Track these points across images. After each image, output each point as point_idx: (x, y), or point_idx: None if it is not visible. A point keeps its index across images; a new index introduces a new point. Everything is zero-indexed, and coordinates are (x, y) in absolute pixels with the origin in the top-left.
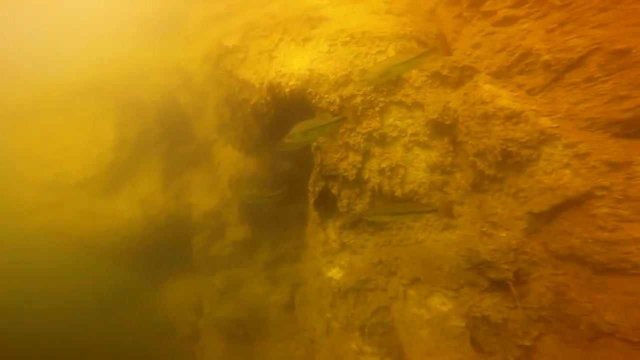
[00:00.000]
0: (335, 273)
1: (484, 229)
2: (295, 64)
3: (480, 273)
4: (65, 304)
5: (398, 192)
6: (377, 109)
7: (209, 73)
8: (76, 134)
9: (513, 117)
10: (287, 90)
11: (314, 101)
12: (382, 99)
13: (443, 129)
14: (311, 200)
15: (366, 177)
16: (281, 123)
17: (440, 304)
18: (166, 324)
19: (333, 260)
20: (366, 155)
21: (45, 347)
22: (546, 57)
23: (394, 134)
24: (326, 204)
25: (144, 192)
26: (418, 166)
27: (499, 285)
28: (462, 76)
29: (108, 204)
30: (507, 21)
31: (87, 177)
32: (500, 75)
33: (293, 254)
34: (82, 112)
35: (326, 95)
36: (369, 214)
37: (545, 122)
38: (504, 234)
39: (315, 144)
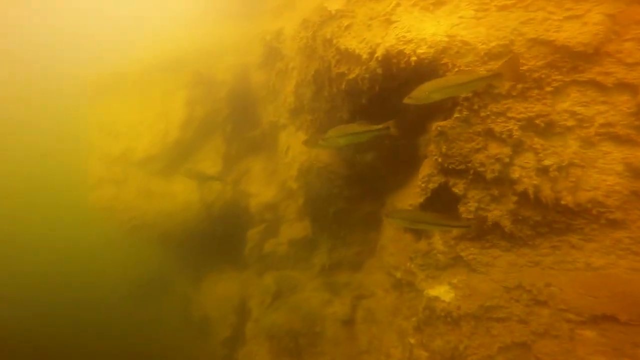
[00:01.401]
0: (443, 293)
1: None
2: (428, 29)
3: None
4: (104, 288)
5: (567, 200)
6: (547, 89)
7: (298, 46)
8: (147, 110)
9: None
10: (412, 59)
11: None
12: (558, 77)
13: None
14: (420, 200)
15: (516, 175)
16: (383, 103)
17: None
18: (203, 323)
19: (438, 277)
20: (519, 147)
21: (71, 330)
22: None
23: (569, 122)
24: (437, 206)
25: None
26: (606, 168)
27: None
28: None
29: (167, 184)
30: None
31: (151, 155)
32: None
33: (354, 260)
34: (155, 89)
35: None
36: (391, 215)
37: None
38: None
39: (438, 128)
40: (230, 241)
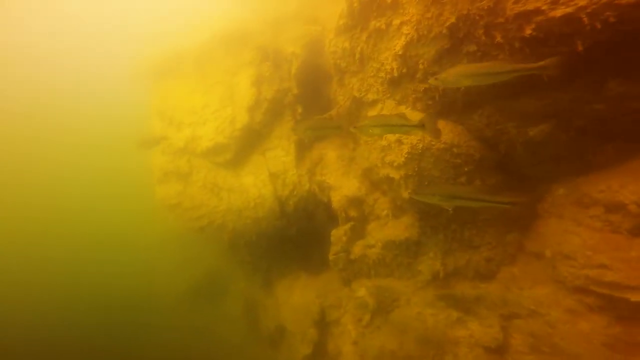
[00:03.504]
0: None
1: None
2: None
3: None
4: (160, 292)
5: None
6: None
7: None
8: (210, 93)
9: None
10: None
11: None
12: None
13: None
14: None
15: None
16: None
17: None
18: (276, 334)
19: None
20: None
21: (119, 330)
22: None
23: None
24: None
25: (275, 166)
26: None
27: None
28: None
29: (235, 177)
30: None
31: (217, 143)
32: None
33: (483, 268)
34: (217, 68)
35: None
36: (418, 192)
37: None
38: None
39: None
40: (305, 242)
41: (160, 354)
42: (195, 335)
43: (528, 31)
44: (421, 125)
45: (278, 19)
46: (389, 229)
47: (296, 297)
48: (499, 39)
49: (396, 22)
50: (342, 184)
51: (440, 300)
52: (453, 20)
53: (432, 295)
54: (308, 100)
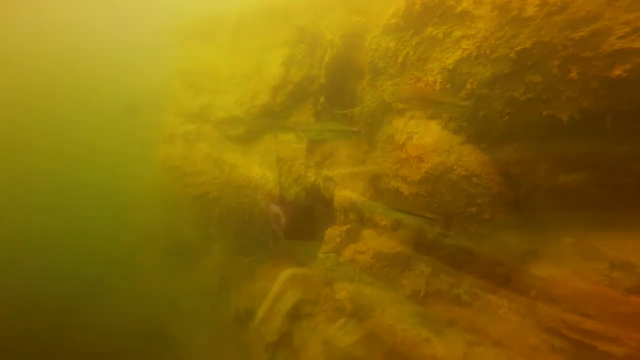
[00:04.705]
0: None
1: None
2: None
3: None
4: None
5: None
6: None
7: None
8: (238, 65)
9: None
10: None
11: None
12: None
13: None
14: None
15: None
16: None
17: None
18: (245, 316)
19: None
20: None
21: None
22: None
23: None
24: None
25: (285, 151)
26: None
27: None
28: None
29: (242, 153)
30: None
31: (232, 116)
32: None
33: (465, 294)
34: (251, 41)
35: None
36: (306, 131)
37: None
38: None
39: None
40: (298, 233)
41: (117, 316)
42: (160, 301)
43: (618, 71)
44: (359, 131)
45: (323, 2)
46: (384, 239)
47: (275, 285)
48: (574, 74)
49: (457, 34)
50: (347, 185)
51: (414, 317)
52: (527, 45)
53: (408, 311)
54: (333, 92)
